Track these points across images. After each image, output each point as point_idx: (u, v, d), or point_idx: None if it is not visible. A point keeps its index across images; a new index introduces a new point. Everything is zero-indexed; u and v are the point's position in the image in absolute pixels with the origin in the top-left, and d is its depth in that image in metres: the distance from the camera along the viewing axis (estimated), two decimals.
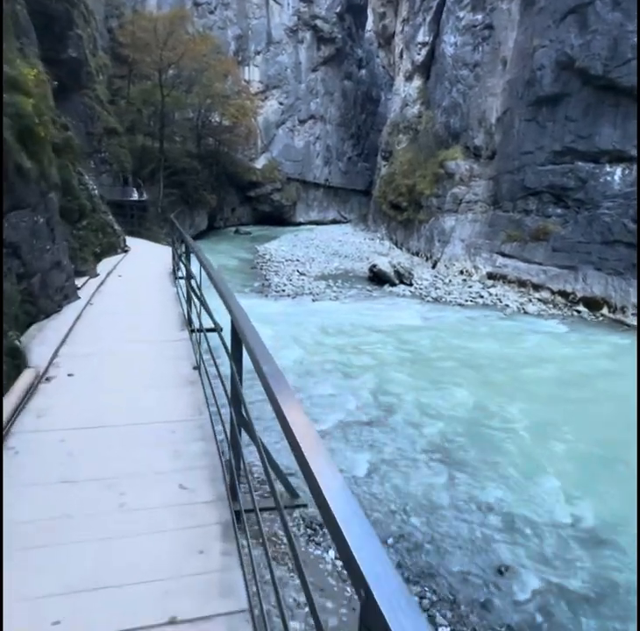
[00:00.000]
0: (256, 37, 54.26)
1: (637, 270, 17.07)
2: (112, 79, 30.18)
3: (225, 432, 3.50)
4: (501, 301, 19.20)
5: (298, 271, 26.27)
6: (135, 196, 23.51)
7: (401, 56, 44.06)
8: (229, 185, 48.09)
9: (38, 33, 17.05)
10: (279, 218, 53.81)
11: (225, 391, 3.31)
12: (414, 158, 34.35)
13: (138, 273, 11.73)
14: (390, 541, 6.15)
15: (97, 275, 10.14)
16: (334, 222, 59.03)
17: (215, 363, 4.27)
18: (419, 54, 38.25)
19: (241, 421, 2.93)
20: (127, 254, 13.11)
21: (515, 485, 7.42)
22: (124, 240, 13.28)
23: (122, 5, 39.17)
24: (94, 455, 3.60)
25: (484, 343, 14.04)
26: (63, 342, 6.05)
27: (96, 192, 10.69)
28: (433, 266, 27.05)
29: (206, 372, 4.98)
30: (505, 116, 23.81)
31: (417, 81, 39.17)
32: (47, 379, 4.89)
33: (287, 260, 29.55)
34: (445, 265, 26.27)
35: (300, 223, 55.62)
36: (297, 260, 29.51)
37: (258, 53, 54.72)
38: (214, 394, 4.27)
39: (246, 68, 53.52)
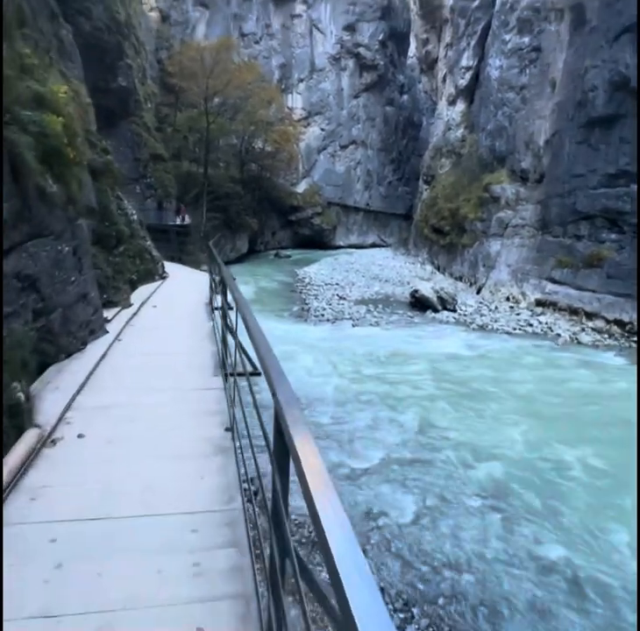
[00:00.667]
0: (299, 65, 55.37)
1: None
2: (159, 107, 31.09)
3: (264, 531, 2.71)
4: (551, 330, 18.24)
5: (338, 295, 25.92)
6: (178, 221, 23.82)
7: (444, 81, 43.98)
8: (270, 209, 48.63)
9: (91, 64, 17.66)
10: (319, 242, 53.94)
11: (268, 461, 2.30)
12: (457, 182, 33.82)
13: (174, 303, 11.08)
14: (440, 601, 5.53)
15: (131, 305, 9.63)
16: (374, 245, 58.78)
17: (251, 423, 3.48)
18: (463, 78, 38.04)
19: (283, 547, 1.91)
20: (165, 281, 12.59)
21: (580, 540, 6.66)
22: (163, 266, 12.78)
23: (171, 37, 40.65)
24: (86, 574, 2.71)
25: (535, 375, 13.20)
26: (80, 389, 5.38)
27: (136, 217, 10.24)
28: (477, 292, 26.21)
29: (239, 435, 4.01)
30: (554, 139, 23.08)
31: (461, 106, 38.88)
32: (53, 442, 4.21)
33: (326, 284, 29.28)
34: (490, 291, 25.40)
35: (339, 247, 55.59)
36: (337, 284, 29.19)
37: (301, 80, 55.76)
38: (255, 466, 3.06)
39: (290, 96, 54.55)
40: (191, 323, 9.35)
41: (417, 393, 11.73)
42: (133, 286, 9.96)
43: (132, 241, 9.32)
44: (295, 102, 55.44)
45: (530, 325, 19.02)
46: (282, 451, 1.80)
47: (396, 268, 35.93)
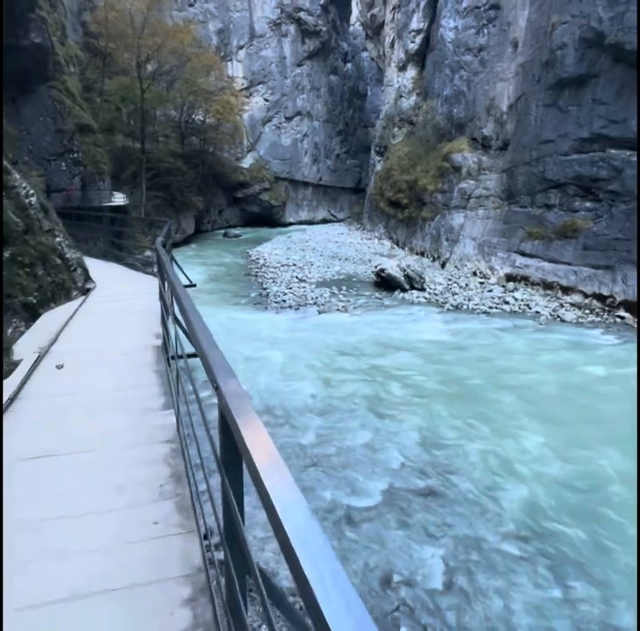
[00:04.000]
0: (238, 31, 52.06)
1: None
2: (86, 74, 27.69)
3: None
4: (530, 308, 17.19)
5: (297, 277, 24.09)
6: (115, 201, 21.08)
7: (392, 46, 42.01)
8: (215, 186, 45.79)
9: None
10: (268, 219, 51.71)
11: None
12: (413, 152, 32.33)
13: (98, 353, 5.85)
14: None
15: (14, 364, 5.07)
16: (324, 221, 57.10)
17: None
18: (413, 42, 36.23)
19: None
20: (88, 297, 8.02)
21: None
22: (85, 273, 8.41)
23: None
24: None
25: (529, 363, 11.98)
26: None
27: (35, 201, 6.23)
28: (442, 267, 25.03)
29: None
30: (519, 103, 21.82)
31: (412, 71, 37.15)
32: None
33: (283, 265, 27.34)
34: (456, 266, 24.26)
35: (290, 224, 53.56)
36: (294, 265, 27.31)
37: (241, 47, 52.50)
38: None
39: (230, 64, 51.26)
40: (129, 409, 4.44)
41: (408, 394, 10.22)
42: (31, 314, 6.14)
43: (29, 239, 5.79)
44: (236, 70, 52.22)
45: (506, 303, 17.92)
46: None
47: (354, 245, 34.34)
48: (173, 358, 3.89)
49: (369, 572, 5.46)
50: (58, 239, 6.68)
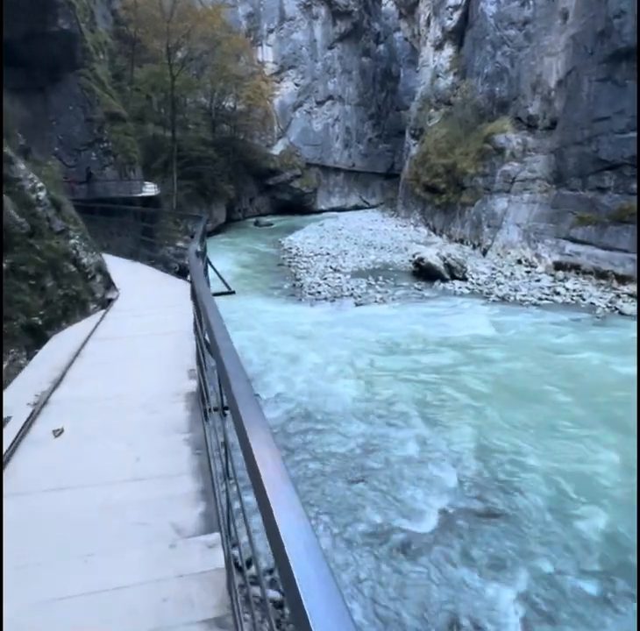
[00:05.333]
0: (268, 14, 51.01)
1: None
2: (115, 62, 27.26)
3: None
4: (583, 299, 16.01)
5: (331, 267, 23.33)
6: (146, 191, 20.65)
7: (427, 24, 40.36)
8: (246, 174, 45.18)
9: (21, 4, 14.29)
10: (299, 207, 50.83)
11: None
12: (451, 134, 30.97)
13: (112, 406, 4.23)
14: None
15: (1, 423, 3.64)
16: (356, 208, 55.86)
17: None
18: (451, 19, 34.64)
19: None
20: (107, 312, 6.50)
21: None
22: (107, 280, 6.88)
23: None
24: None
25: (591, 362, 10.97)
26: None
27: (44, 196, 5.10)
28: (483, 255, 23.85)
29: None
30: (569, 78, 20.34)
31: (449, 50, 35.58)
32: None
33: (316, 255, 26.59)
34: (498, 254, 23.06)
35: (321, 211, 52.58)
36: (328, 254, 26.53)
37: (271, 31, 51.46)
38: None
39: (260, 48, 50.29)
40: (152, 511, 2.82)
41: (458, 397, 9.40)
42: (37, 338, 4.92)
43: (35, 244, 4.70)
44: (266, 55, 51.22)
45: (557, 293, 16.76)
46: None
47: (389, 232, 33.28)
48: (214, 410, 2.85)
49: (432, 614, 4.76)
50: (72, 241, 5.41)
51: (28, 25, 14.99)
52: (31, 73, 16.81)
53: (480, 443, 7.77)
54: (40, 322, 4.72)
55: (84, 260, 5.59)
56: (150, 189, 20.96)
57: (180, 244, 19.64)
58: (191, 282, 4.53)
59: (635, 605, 4.73)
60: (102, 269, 6.34)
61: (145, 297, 7.61)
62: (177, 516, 2.65)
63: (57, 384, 4.39)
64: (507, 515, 6.23)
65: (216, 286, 9.02)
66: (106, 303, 6.46)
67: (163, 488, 2.90)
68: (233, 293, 6.76)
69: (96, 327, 5.68)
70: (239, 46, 36.82)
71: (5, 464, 3.13)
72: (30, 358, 4.65)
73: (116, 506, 2.74)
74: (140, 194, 19.83)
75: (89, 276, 5.80)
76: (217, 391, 2.17)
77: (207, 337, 2.98)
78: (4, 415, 3.59)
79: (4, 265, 4.14)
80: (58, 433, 3.54)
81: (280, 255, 27.69)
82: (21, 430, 3.51)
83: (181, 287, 8.18)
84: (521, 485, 6.80)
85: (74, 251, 5.35)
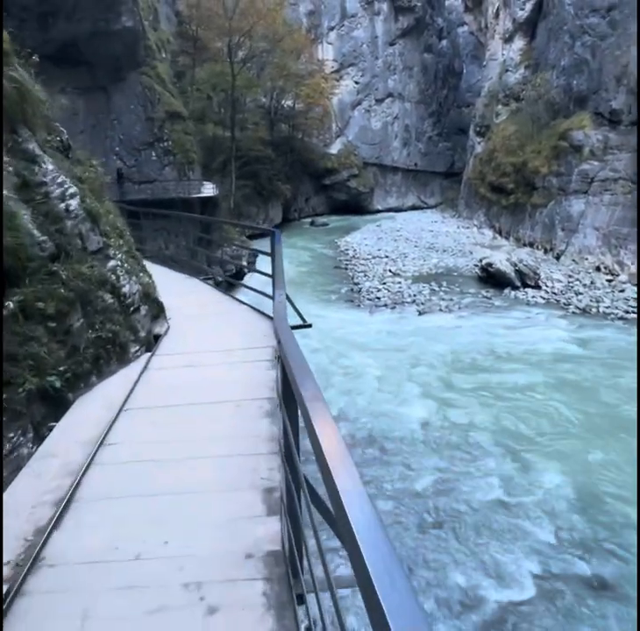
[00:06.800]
0: (329, 11, 50.32)
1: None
2: (176, 61, 27.30)
3: None
4: None
5: (390, 270, 22.33)
6: (205, 192, 20.35)
7: (496, 16, 38.46)
8: (303, 173, 44.71)
9: (85, 3, 14.11)
10: (355, 206, 49.85)
11: None
12: (520, 131, 29.19)
13: (142, 562, 2.34)
14: None
15: None
16: (413, 208, 54.29)
17: None
18: (523, 9, 32.74)
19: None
20: (151, 361, 4.76)
21: None
22: (156, 307, 5.37)
23: None
24: None
25: None
26: None
27: (76, 205, 3.78)
28: (556, 260, 22.16)
29: None
30: None
31: (520, 42, 33.66)
32: None
33: (374, 257, 25.64)
34: (573, 260, 21.33)
35: (377, 211, 51.38)
36: (386, 257, 25.52)
37: (332, 28, 50.75)
38: None
39: (320, 47, 49.71)
40: None
41: (545, 426, 8.28)
42: (53, 407, 3.44)
43: (60, 269, 3.41)
44: (326, 53, 50.57)
45: None
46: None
47: (451, 234, 31.84)
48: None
49: None
50: (112, 263, 4.09)
51: (92, 24, 14.90)
52: (93, 72, 16.78)
53: (575, 486, 6.67)
54: (59, 383, 3.29)
55: (126, 287, 4.21)
56: (209, 190, 20.68)
57: (237, 244, 19.23)
58: (279, 344, 2.65)
59: None
60: (149, 294, 4.95)
61: (202, 332, 5.77)
62: None
63: (63, 503, 2.71)
64: (616, 584, 5.15)
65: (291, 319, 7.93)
66: (152, 342, 4.91)
67: None
68: (310, 326, 5.31)
69: (133, 387, 4.11)
70: (301, 42, 36.34)
71: None
72: (36, 445, 3.07)
73: None
74: (199, 195, 19.55)
75: (132, 308, 4.34)
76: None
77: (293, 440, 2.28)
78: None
79: (11, 304, 2.84)
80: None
81: (336, 256, 26.93)
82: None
83: (248, 317, 6.24)
84: (629, 542, 5.68)
85: (113, 277, 4.05)
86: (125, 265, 4.33)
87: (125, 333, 4.25)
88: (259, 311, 6.33)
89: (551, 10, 28.23)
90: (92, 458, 3.19)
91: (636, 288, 17.03)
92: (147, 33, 17.80)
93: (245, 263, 19.02)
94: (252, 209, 33.43)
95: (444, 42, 60.40)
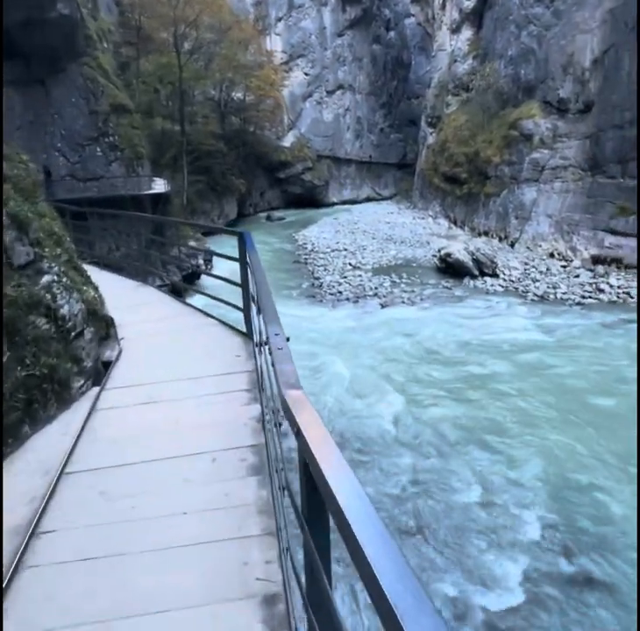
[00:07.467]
0: (276, 2, 49.58)
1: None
2: (120, 52, 26.12)
3: None
4: (631, 297, 14.70)
5: (350, 264, 22.13)
6: (155, 188, 19.51)
7: (443, 7, 38.75)
8: (257, 167, 43.96)
9: None
10: (311, 200, 49.50)
11: None
12: (471, 121, 29.50)
13: None
14: None
15: None
16: (368, 199, 54.40)
17: None
18: (469, 0, 33.02)
19: None
20: (100, 398, 3.77)
21: None
22: (105, 327, 4.54)
23: None
24: None
25: None
26: None
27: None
28: (511, 247, 22.50)
29: None
30: (606, 57, 18.89)
31: (467, 33, 33.97)
32: None
33: (333, 250, 25.40)
34: (528, 247, 21.70)
35: (333, 204, 51.20)
36: (345, 250, 25.32)
37: (279, 19, 50.03)
38: None
39: (268, 38, 48.91)
40: None
41: (516, 418, 8.22)
42: None
43: None
44: (274, 44, 49.80)
45: (601, 291, 15.45)
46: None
47: (407, 225, 31.95)
48: None
49: None
50: (47, 278, 3.41)
51: (25, 12, 13.88)
52: (29, 64, 15.63)
53: (552, 479, 6.60)
54: None
55: (65, 308, 3.43)
56: (159, 186, 19.85)
57: (192, 243, 18.54)
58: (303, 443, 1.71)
59: None
60: (96, 311, 4.12)
61: (162, 353, 4.78)
62: None
63: None
64: (603, 582, 5.07)
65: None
66: (101, 371, 4.01)
67: None
68: (288, 340, 4.64)
69: (78, 437, 3.19)
70: (249, 32, 35.55)
71: None
72: None
73: None
74: (150, 192, 18.72)
75: (74, 333, 3.53)
76: None
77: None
78: None
79: None
80: None
81: (295, 251, 26.56)
82: None
83: (215, 332, 5.27)
84: (611, 537, 5.63)
85: (48, 296, 3.32)
86: (64, 279, 3.59)
87: (66, 365, 3.41)
88: (227, 325, 5.36)
89: (496, 1, 28.55)
90: (19, 559, 2.22)
91: (590, 273, 17.43)
92: (86, 22, 16.82)
93: (201, 261, 18.41)
94: (206, 205, 32.57)
95: (392, 33, 60.54)
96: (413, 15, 56.50)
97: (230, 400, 3.65)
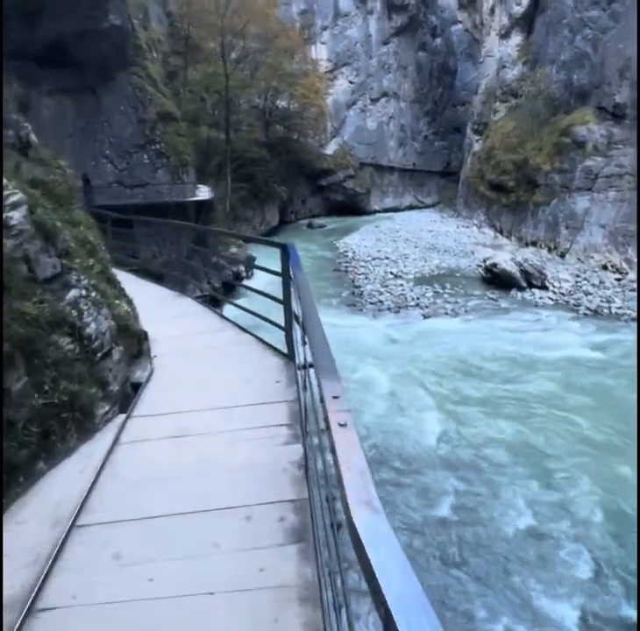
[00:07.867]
0: (322, 11, 49.96)
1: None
2: (168, 61, 26.75)
3: None
4: None
5: (392, 273, 21.77)
6: (199, 195, 19.75)
7: (491, 13, 38.03)
8: (299, 175, 44.15)
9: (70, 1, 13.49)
10: (352, 207, 49.31)
11: None
12: (519, 128, 28.71)
13: None
14: None
15: None
16: (410, 207, 53.78)
17: None
18: (519, 5, 32.30)
19: None
20: (125, 429, 3.37)
21: None
22: (135, 344, 4.13)
23: None
24: None
25: None
26: None
27: (20, 217, 2.90)
28: (561, 258, 21.64)
29: None
30: None
31: (517, 38, 33.19)
32: None
33: (374, 259, 25.08)
34: (578, 258, 20.81)
35: (374, 212, 50.84)
36: (387, 258, 24.96)
37: (325, 28, 50.35)
38: None
39: (313, 47, 49.27)
40: None
41: (572, 440, 7.71)
42: None
43: None
44: (320, 53, 50.13)
45: None
46: None
47: (451, 234, 31.30)
48: None
49: None
50: (73, 293, 3.11)
51: (79, 23, 14.31)
52: (82, 73, 16.14)
53: (608, 510, 6.10)
54: None
55: (92, 326, 3.09)
56: (204, 193, 20.10)
57: (233, 249, 18.66)
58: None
59: None
60: (128, 327, 3.77)
61: (196, 376, 4.39)
62: None
63: None
64: None
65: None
66: (130, 393, 3.68)
67: None
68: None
69: (96, 479, 2.84)
70: (295, 41, 35.85)
71: None
72: None
73: None
74: (194, 198, 18.95)
75: (100, 354, 3.19)
76: None
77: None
78: None
79: None
80: None
81: (335, 259, 26.37)
82: None
83: (253, 351, 4.84)
84: None
85: (73, 313, 3.01)
86: (93, 293, 3.30)
87: (89, 391, 3.06)
88: (265, 343, 4.95)
89: (548, 5, 27.76)
90: None
91: None
92: (137, 32, 17.23)
93: (242, 267, 18.44)
94: (248, 212, 32.86)
95: (438, 40, 59.99)
96: (460, 21, 55.77)
97: (267, 436, 3.23)
